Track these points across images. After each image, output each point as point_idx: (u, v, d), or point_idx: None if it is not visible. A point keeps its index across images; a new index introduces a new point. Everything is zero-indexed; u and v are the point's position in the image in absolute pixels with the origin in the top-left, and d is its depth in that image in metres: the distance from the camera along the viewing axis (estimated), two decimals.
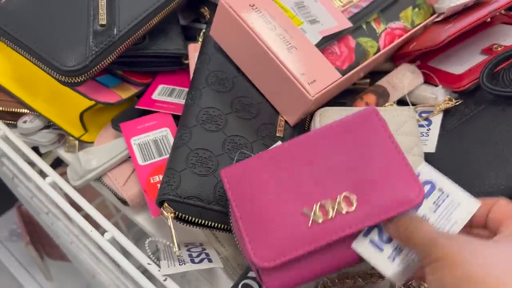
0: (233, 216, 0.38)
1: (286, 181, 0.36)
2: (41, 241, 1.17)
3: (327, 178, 0.36)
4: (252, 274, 0.42)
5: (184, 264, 0.41)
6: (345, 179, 0.35)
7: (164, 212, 0.42)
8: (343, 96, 0.53)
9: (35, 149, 0.58)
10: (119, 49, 0.50)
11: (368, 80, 0.56)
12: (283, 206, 0.35)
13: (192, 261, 0.42)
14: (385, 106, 0.51)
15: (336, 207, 0.34)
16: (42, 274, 1.23)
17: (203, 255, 0.43)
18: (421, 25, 0.55)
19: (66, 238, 0.73)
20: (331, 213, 0.34)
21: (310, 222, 0.34)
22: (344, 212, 0.34)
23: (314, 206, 0.35)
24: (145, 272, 0.45)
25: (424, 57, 0.55)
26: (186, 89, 0.56)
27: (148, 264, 0.42)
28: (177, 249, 0.40)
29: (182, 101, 0.55)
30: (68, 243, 0.78)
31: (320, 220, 0.34)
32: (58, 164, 0.77)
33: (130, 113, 0.55)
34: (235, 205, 0.36)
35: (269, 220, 0.35)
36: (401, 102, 0.53)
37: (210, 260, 0.43)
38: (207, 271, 0.49)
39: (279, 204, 0.35)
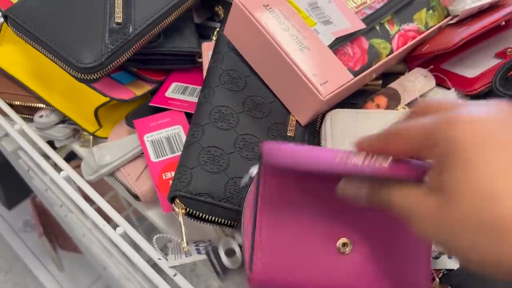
0: (250, 213, 0.36)
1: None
2: (54, 233, 1.19)
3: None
4: None
5: (191, 255, 0.42)
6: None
7: (175, 208, 0.43)
8: (355, 97, 0.53)
9: (50, 143, 0.59)
10: (134, 47, 0.51)
11: (380, 82, 0.56)
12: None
13: (198, 252, 0.43)
14: (396, 109, 0.51)
15: None
16: (55, 264, 1.26)
17: (209, 248, 0.44)
18: (435, 27, 0.55)
19: (78, 231, 0.74)
20: None
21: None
22: None
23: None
24: (154, 266, 0.46)
25: (437, 60, 0.55)
26: (199, 87, 0.57)
27: (159, 259, 0.43)
28: (185, 245, 0.41)
29: (195, 99, 0.55)
30: (80, 236, 0.79)
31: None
32: (71, 157, 0.79)
33: (143, 110, 0.56)
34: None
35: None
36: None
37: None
38: None
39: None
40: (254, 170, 0.40)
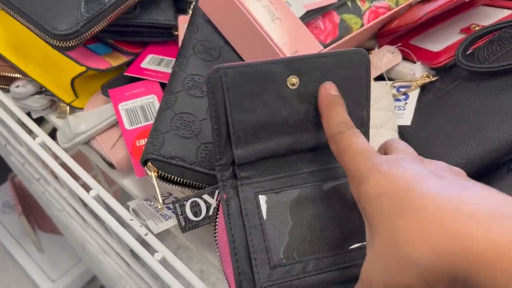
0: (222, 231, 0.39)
1: None
2: (33, 213, 1.19)
3: None
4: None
5: (170, 218, 0.43)
6: None
7: (148, 171, 0.44)
8: None
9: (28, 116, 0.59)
10: (110, 16, 0.52)
11: None
12: None
13: (173, 211, 0.44)
14: None
15: None
16: (34, 245, 1.26)
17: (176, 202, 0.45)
18: (404, 4, 0.57)
19: (56, 206, 0.75)
20: None
21: None
22: None
23: None
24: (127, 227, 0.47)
25: (406, 37, 0.57)
26: (174, 59, 0.58)
27: (131, 220, 0.44)
28: (162, 205, 0.42)
29: (170, 70, 0.56)
30: (58, 212, 0.80)
31: None
32: (54, 136, 0.79)
33: (119, 81, 0.57)
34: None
35: None
36: (380, 78, 0.54)
37: None
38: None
39: None
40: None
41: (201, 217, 0.42)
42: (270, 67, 0.37)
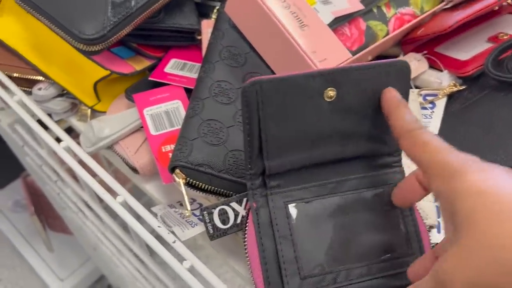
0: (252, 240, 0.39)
1: None
2: (44, 213, 1.19)
3: None
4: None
5: (197, 225, 0.43)
6: None
7: (176, 178, 0.44)
8: None
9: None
10: (136, 20, 0.52)
11: None
12: None
13: (201, 220, 0.43)
14: None
15: None
16: (44, 244, 1.26)
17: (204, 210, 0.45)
18: (430, 11, 0.56)
19: (72, 208, 0.75)
20: None
21: None
22: None
23: None
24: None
25: (431, 44, 0.57)
26: (198, 64, 0.58)
27: (158, 227, 0.44)
28: (189, 212, 0.42)
29: (194, 76, 0.56)
30: (73, 214, 0.80)
31: None
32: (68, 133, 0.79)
33: (142, 85, 0.57)
34: None
35: None
36: None
37: None
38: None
39: None
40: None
41: (229, 225, 0.42)
42: (308, 80, 0.36)
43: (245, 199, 0.42)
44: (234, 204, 0.42)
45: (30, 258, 1.31)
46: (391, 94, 0.37)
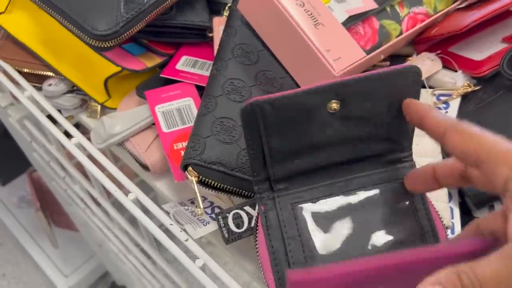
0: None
1: None
2: (49, 209, 1.19)
3: None
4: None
5: (209, 223, 0.43)
6: None
7: (189, 176, 0.44)
8: None
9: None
10: (148, 17, 0.51)
11: (388, 63, 0.57)
12: None
13: (213, 218, 0.43)
14: None
15: None
16: (49, 241, 1.26)
17: (217, 210, 0.45)
18: (443, 11, 0.56)
19: (79, 204, 0.75)
20: None
21: None
22: None
23: None
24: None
25: (444, 44, 0.57)
26: (209, 62, 0.58)
27: (171, 224, 0.44)
28: (202, 211, 0.42)
29: (206, 73, 0.56)
30: (80, 210, 0.80)
31: None
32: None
33: (153, 82, 0.56)
34: None
35: None
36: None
37: None
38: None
39: None
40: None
41: (243, 229, 0.42)
42: (307, 97, 0.36)
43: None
44: (248, 208, 0.42)
45: (34, 253, 1.31)
46: (415, 105, 0.36)
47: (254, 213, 0.42)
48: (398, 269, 0.27)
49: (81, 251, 1.31)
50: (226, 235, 0.42)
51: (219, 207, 0.46)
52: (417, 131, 0.48)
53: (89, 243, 1.12)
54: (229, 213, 0.41)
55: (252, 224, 0.42)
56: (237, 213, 0.42)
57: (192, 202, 0.50)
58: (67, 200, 0.87)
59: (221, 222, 0.41)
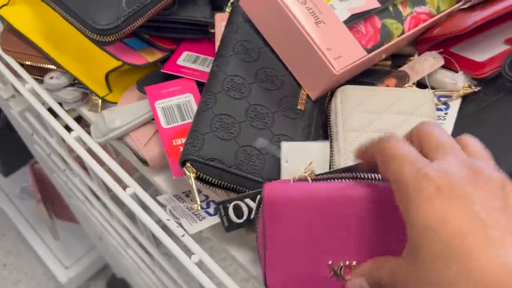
0: (261, 234, 0.38)
1: (327, 228, 0.35)
2: (51, 201, 1.20)
3: (367, 244, 0.35)
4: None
5: (204, 218, 0.43)
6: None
7: (186, 172, 0.44)
8: (363, 77, 0.54)
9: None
10: (150, 12, 0.51)
11: (389, 62, 0.57)
12: (314, 250, 0.35)
13: (209, 214, 0.44)
14: (404, 87, 0.52)
15: None
16: (50, 232, 1.26)
17: (213, 205, 0.47)
18: (446, 11, 0.56)
19: (79, 197, 0.75)
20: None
21: (330, 275, 0.36)
22: None
23: (341, 263, 0.35)
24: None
25: (446, 44, 0.56)
26: (210, 58, 0.58)
27: (168, 220, 0.44)
28: (199, 207, 0.42)
29: (206, 69, 0.56)
30: (80, 203, 0.80)
31: (340, 278, 0.35)
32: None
33: (153, 78, 0.57)
34: (268, 227, 0.36)
35: (295, 257, 0.36)
36: (421, 85, 0.54)
37: None
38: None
39: (311, 247, 0.35)
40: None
41: (242, 220, 0.43)
42: None
43: (258, 196, 0.42)
44: (248, 200, 0.43)
45: (35, 245, 1.32)
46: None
47: (254, 205, 0.43)
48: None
49: (81, 243, 1.31)
50: (226, 224, 0.43)
51: (213, 201, 0.47)
52: None
53: (90, 235, 1.13)
54: (230, 203, 0.43)
55: (252, 216, 0.43)
56: (237, 204, 0.43)
57: (187, 195, 0.50)
58: (67, 193, 0.88)
59: (222, 211, 0.43)
